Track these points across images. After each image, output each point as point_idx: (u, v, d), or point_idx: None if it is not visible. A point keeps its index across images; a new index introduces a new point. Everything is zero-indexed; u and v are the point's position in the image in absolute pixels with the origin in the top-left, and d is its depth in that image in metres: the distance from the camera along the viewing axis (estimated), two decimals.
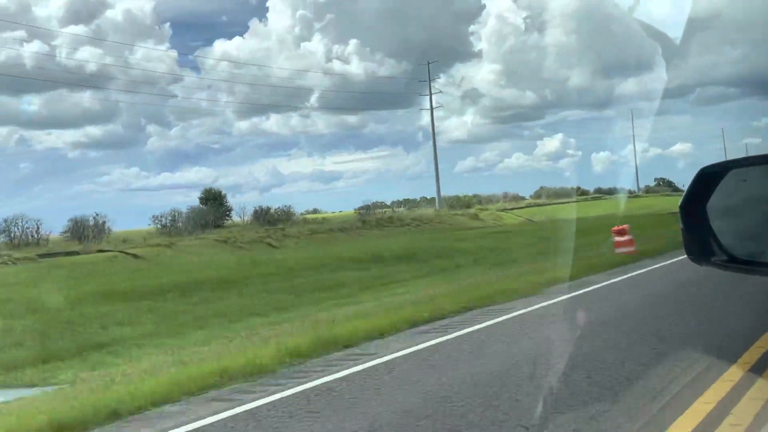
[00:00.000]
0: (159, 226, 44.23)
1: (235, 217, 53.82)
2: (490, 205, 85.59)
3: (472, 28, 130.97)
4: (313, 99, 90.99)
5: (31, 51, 68.22)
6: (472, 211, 70.41)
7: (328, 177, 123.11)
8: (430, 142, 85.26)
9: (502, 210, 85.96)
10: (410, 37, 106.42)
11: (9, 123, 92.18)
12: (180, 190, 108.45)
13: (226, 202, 53.56)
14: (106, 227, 42.75)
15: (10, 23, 72.49)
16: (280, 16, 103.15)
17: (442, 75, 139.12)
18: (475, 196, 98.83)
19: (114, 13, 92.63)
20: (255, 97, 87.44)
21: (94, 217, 42.60)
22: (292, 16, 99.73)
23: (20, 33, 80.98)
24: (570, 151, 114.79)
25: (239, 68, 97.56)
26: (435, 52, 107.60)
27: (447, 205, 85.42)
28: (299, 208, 65.57)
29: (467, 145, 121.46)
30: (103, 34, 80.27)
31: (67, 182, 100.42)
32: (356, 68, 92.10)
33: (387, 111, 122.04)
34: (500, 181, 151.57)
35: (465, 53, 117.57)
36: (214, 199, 52.68)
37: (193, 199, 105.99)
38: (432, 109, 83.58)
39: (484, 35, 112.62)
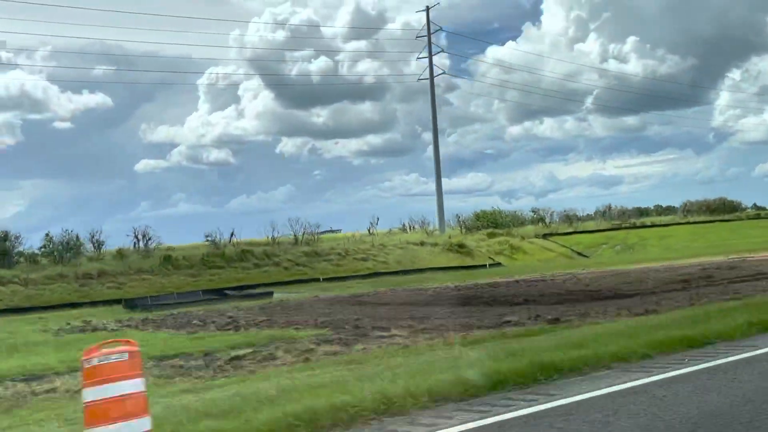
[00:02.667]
0: None
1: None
2: (528, 228, 59.34)
3: None
4: (589, 101, 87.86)
5: (317, 66, 74.94)
6: (456, 240, 44.78)
7: (608, 182, 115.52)
8: (724, 144, 73.40)
9: (565, 234, 59.51)
10: (697, 29, 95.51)
11: (302, 134, 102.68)
12: (457, 195, 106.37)
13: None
14: None
15: (300, 42, 76.88)
16: (554, 18, 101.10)
17: (735, 69, 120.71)
18: (534, 213, 72.23)
19: (393, 26, 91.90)
20: (528, 102, 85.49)
21: None
22: (566, 17, 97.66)
23: (308, 51, 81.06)
24: None
25: (512, 73, 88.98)
26: (727, 45, 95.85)
27: (465, 228, 60.21)
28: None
29: None
30: (382, 47, 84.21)
31: (354, 188, 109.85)
32: (634, 67, 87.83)
33: (672, 111, 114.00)
34: None
35: (764, 45, 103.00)
36: None
37: (470, 204, 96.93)
38: (432, 78, 59.41)
39: None
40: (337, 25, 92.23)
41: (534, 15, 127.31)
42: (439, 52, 61.01)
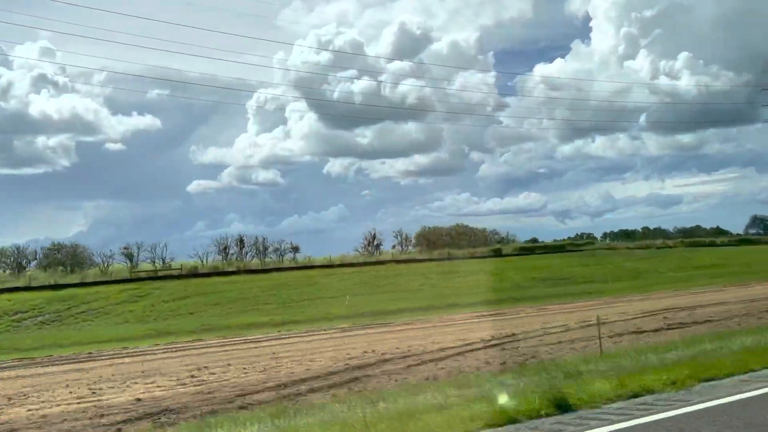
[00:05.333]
0: None
1: None
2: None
3: None
4: (642, 119, 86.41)
5: (360, 87, 77.06)
6: None
7: (667, 201, 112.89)
8: None
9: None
10: (752, 44, 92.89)
11: (348, 154, 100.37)
12: (509, 215, 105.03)
13: None
14: None
15: (344, 63, 75.25)
16: (603, 35, 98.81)
17: None
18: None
19: (439, 46, 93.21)
20: (578, 120, 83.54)
21: None
22: (616, 34, 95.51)
23: (352, 72, 77.94)
24: None
25: (560, 91, 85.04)
26: None
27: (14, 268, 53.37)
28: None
29: None
30: (427, 67, 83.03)
31: (403, 207, 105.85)
32: (687, 83, 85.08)
33: (731, 128, 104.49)
34: None
35: None
36: None
37: (522, 224, 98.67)
38: None
39: None
40: (381, 46, 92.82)
41: (583, 32, 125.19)
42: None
